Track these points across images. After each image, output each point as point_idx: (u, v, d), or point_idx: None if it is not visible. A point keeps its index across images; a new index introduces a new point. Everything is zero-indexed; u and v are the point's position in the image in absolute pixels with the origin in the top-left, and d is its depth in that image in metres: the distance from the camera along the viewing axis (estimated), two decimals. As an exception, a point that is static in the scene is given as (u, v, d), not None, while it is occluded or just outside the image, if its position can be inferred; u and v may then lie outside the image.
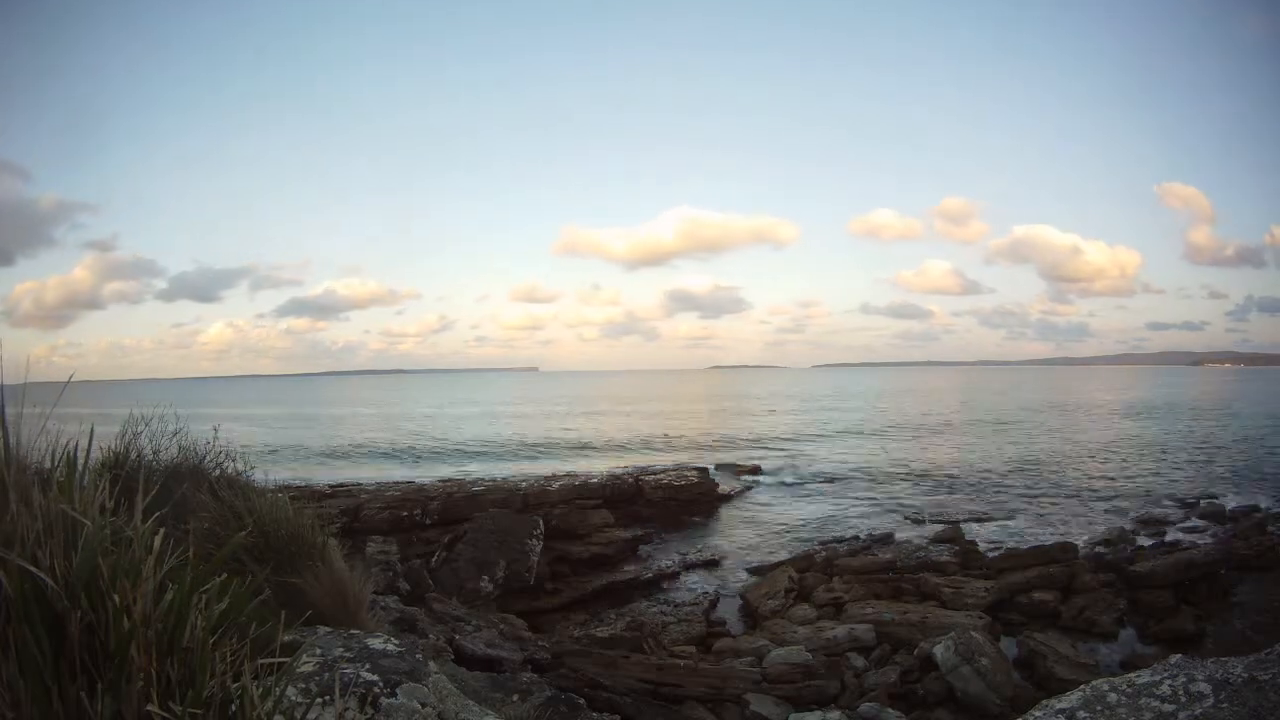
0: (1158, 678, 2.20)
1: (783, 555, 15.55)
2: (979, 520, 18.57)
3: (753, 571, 14.61)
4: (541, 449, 35.18)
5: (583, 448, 35.49)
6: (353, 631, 3.08)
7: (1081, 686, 2.31)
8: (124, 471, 3.06)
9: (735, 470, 26.66)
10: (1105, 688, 2.24)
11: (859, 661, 9.95)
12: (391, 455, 33.81)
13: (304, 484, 19.03)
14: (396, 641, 2.99)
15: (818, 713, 8.16)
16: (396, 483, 21.07)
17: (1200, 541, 15.51)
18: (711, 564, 15.33)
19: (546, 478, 19.53)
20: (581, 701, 4.15)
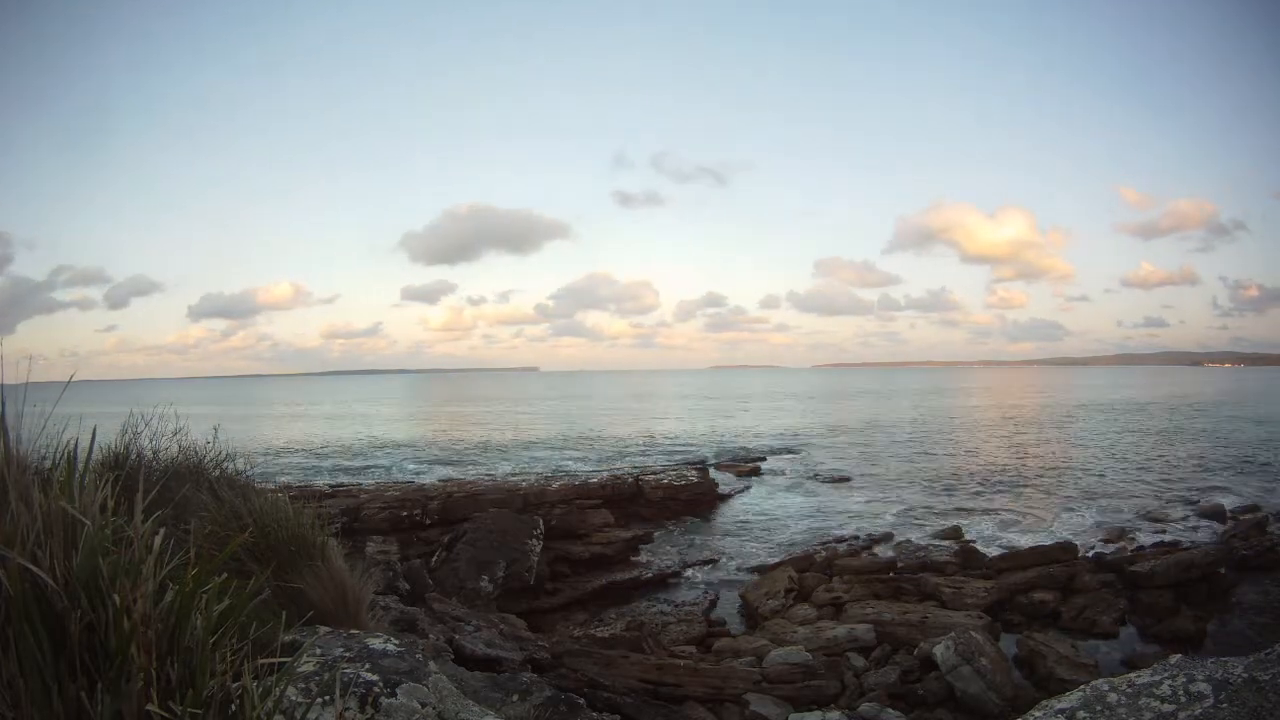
0: (1158, 678, 2.20)
1: (783, 555, 15.55)
2: (979, 520, 18.57)
3: (753, 571, 14.60)
4: (541, 449, 35.18)
5: (583, 447, 35.50)
6: (353, 631, 3.07)
7: (1081, 686, 2.31)
8: (124, 471, 3.06)
9: (735, 470, 26.65)
10: (1105, 688, 2.24)
11: (859, 661, 9.95)
12: (391, 455, 33.80)
13: (304, 484, 19.04)
14: (396, 641, 2.99)
15: (818, 713, 8.16)
16: (396, 483, 21.09)
17: (1200, 541, 15.52)
18: (711, 564, 15.33)
19: (546, 478, 19.54)
20: (581, 701, 4.15)
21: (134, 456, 3.85)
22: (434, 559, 12.96)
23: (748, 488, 23.71)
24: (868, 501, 21.45)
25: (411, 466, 29.43)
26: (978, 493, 22.39)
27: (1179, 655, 2.36)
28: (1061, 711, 2.17)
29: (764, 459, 30.17)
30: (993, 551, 15.08)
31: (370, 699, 2.41)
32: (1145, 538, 16.47)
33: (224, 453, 4.40)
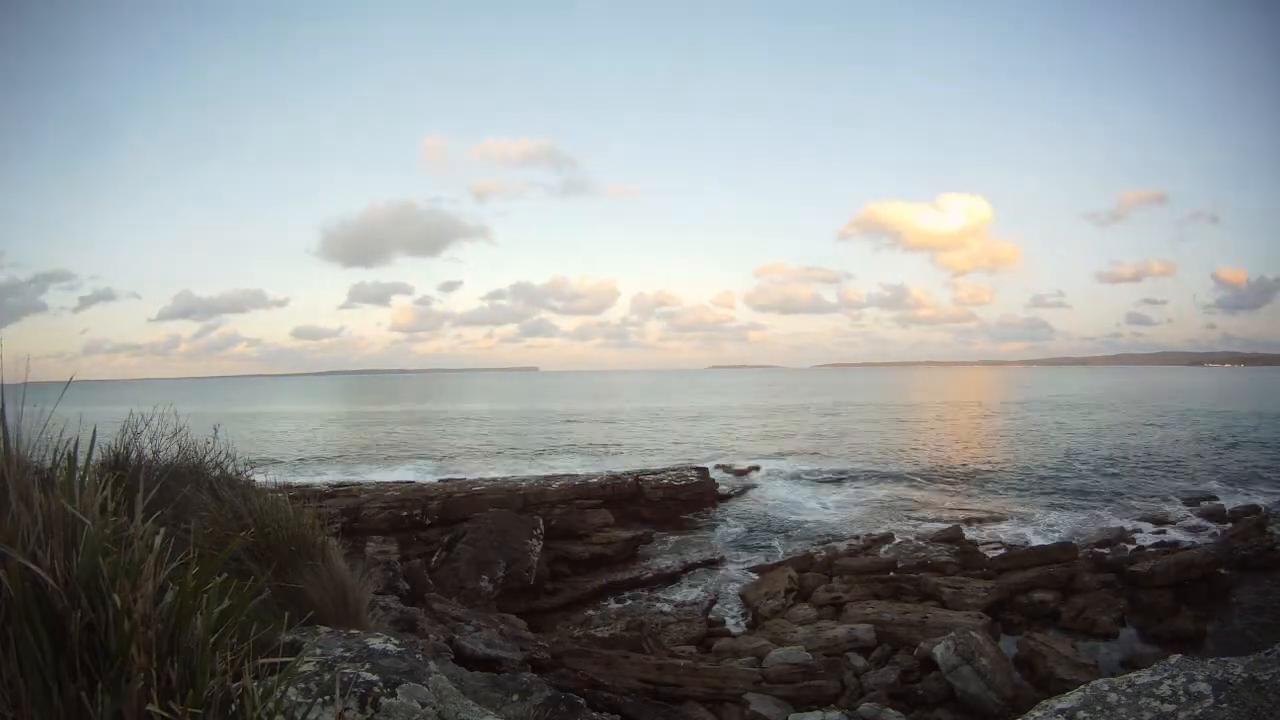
0: (1158, 678, 2.20)
1: (783, 555, 15.56)
2: (979, 520, 18.57)
3: (753, 571, 14.61)
4: (540, 449, 35.17)
5: (584, 446, 35.50)
6: (353, 631, 3.07)
7: (1081, 686, 2.31)
8: (124, 471, 3.06)
9: (735, 470, 26.65)
10: (1105, 688, 2.24)
11: (859, 661, 9.95)
12: (391, 455, 33.80)
13: (304, 484, 19.03)
14: (396, 641, 2.99)
15: (818, 713, 8.16)
16: (397, 483, 21.07)
17: (1200, 541, 15.52)
18: (711, 564, 15.33)
19: (546, 478, 19.54)
20: (581, 701, 4.15)
21: (134, 456, 3.84)
22: (434, 559, 12.96)
23: (748, 488, 23.70)
24: (867, 502, 21.45)
25: (412, 466, 29.43)
26: (978, 493, 22.40)
27: (1179, 655, 2.36)
28: (1061, 711, 2.17)
29: (764, 459, 30.15)
30: (993, 551, 15.09)
31: (370, 699, 2.41)
32: (1145, 538, 16.47)
33: (224, 453, 4.39)
